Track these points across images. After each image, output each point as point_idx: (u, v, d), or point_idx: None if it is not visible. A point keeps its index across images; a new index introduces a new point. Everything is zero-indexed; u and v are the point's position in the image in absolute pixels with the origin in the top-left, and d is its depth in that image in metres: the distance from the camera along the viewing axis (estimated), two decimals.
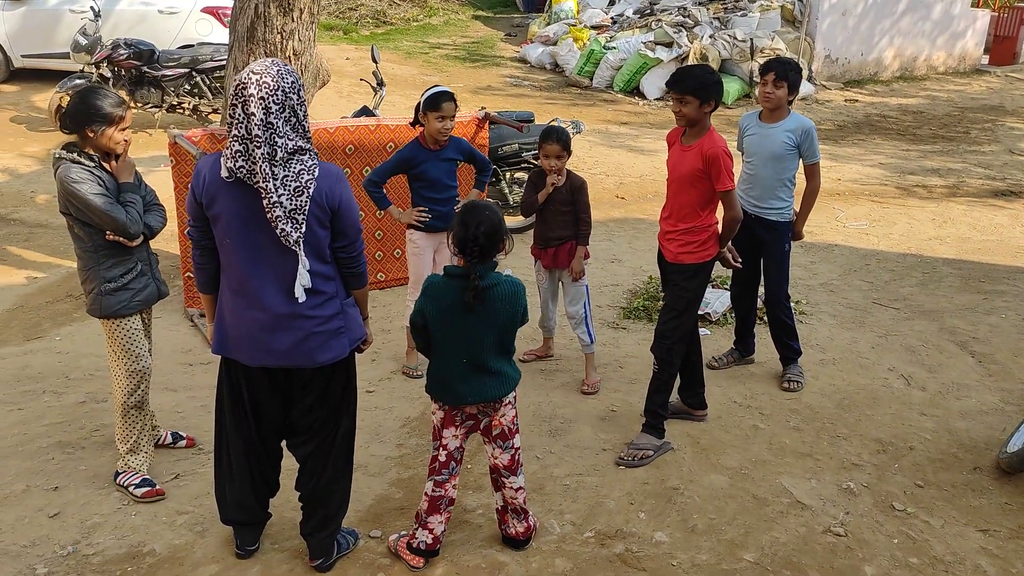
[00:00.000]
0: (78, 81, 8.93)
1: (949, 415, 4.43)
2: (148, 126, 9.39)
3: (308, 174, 2.67)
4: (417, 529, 3.15)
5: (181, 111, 9.12)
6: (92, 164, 3.27)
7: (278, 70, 2.65)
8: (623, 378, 4.69)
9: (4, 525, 3.27)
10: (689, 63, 12.28)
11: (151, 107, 9.04)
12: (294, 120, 2.66)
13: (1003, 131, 11.82)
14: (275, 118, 2.61)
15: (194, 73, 8.99)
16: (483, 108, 5.98)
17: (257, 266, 2.74)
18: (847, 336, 5.32)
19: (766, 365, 4.87)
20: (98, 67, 8.87)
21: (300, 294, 2.74)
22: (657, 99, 12.62)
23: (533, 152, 6.55)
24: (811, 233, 7.37)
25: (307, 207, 2.66)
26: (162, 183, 7.54)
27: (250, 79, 2.62)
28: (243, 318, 2.80)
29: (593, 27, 14.59)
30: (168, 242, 6.29)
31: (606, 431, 4.14)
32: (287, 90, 2.64)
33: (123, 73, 8.87)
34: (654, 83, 12.68)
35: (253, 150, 2.60)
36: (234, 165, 2.64)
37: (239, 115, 2.62)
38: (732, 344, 4.94)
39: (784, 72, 4.32)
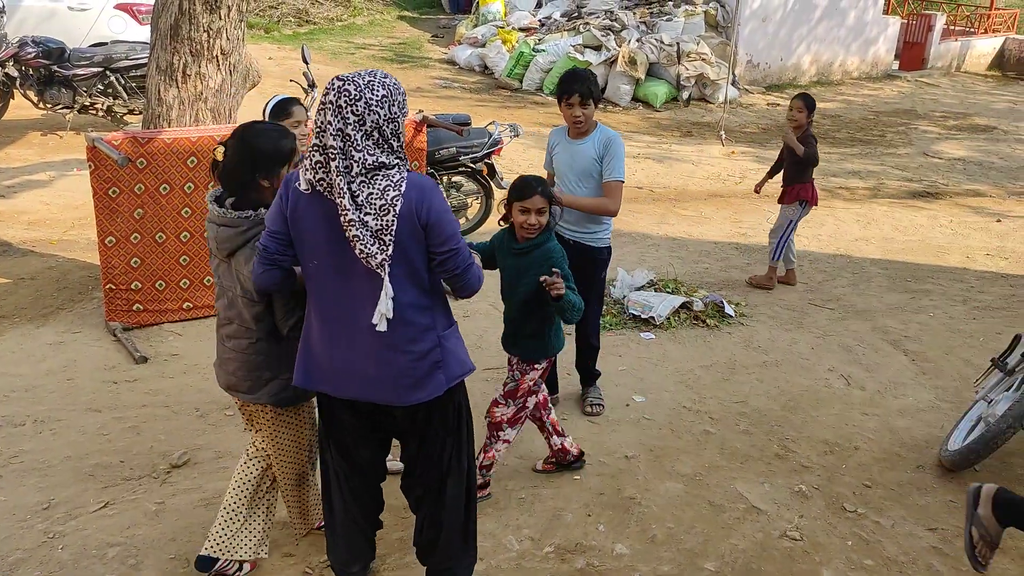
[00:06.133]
0: None
1: (889, 414, 4.52)
2: (59, 128, 8.91)
3: (394, 190, 2.41)
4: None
5: (94, 112, 8.68)
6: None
7: (369, 80, 2.40)
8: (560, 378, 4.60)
9: None
10: (618, 67, 12.42)
11: (61, 108, 8.59)
12: (377, 136, 2.40)
13: (916, 134, 12.30)
14: (353, 130, 2.37)
15: (108, 72, 8.57)
16: (420, 111, 5.83)
17: (346, 290, 2.49)
18: (787, 337, 5.39)
19: (713, 368, 4.88)
20: (3, 66, 8.38)
21: (380, 323, 2.43)
22: None
23: (471, 155, 6.44)
24: (744, 235, 7.52)
25: (394, 226, 2.39)
26: (75, 188, 7.21)
27: (334, 85, 2.41)
28: (332, 346, 2.55)
29: (521, 29, 14.57)
30: (85, 251, 5.95)
31: None
32: (372, 103, 2.38)
33: (31, 72, 8.41)
34: None
35: (328, 161, 2.40)
36: (314, 177, 2.42)
37: (320, 122, 2.42)
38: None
39: (588, 90, 3.89)
